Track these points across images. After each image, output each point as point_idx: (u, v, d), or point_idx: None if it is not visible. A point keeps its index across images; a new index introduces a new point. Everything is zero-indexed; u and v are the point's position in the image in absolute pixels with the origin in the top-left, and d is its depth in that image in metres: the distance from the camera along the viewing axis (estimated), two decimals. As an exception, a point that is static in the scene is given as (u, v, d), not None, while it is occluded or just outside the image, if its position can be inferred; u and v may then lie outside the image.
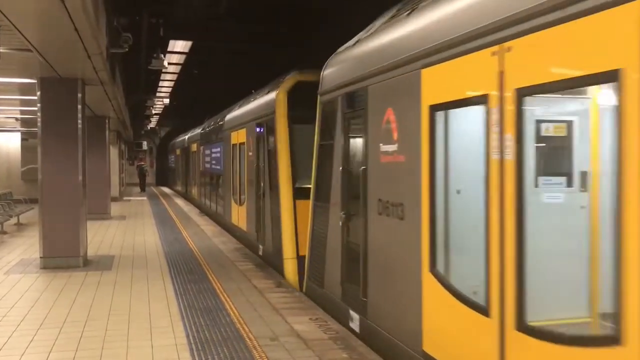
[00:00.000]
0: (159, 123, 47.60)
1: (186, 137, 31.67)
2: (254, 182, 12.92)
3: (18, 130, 28.30)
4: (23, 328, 7.52)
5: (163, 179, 50.83)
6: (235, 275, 10.77)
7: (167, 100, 29.71)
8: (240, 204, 14.99)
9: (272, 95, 11.58)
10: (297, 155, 10.85)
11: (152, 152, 55.41)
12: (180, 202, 30.27)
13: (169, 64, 18.57)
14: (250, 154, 13.38)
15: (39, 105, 11.62)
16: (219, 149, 19.13)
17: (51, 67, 10.28)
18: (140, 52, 16.67)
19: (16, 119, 23.81)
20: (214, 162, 20.51)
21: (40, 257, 11.55)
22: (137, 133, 45.98)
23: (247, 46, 17.02)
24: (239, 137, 15.12)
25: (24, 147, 28.63)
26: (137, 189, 41.84)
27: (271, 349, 6.57)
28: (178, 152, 36.64)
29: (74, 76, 11.48)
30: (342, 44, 8.64)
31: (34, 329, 7.46)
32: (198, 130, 25.89)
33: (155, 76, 23.12)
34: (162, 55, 16.13)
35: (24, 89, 13.98)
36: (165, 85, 26.40)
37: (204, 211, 23.33)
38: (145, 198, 33.24)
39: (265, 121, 11.98)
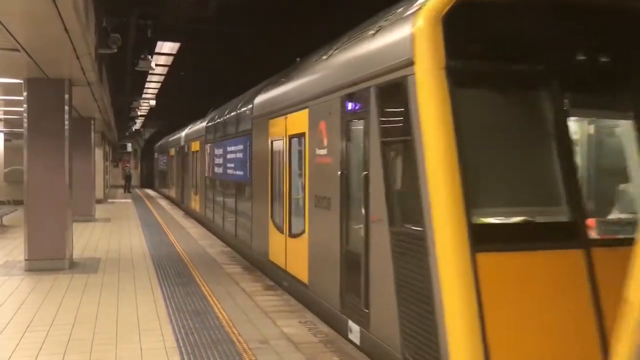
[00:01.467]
0: (144, 124, 47.39)
1: (183, 133, 26.06)
2: (337, 205, 7.18)
3: (1, 131, 28.01)
4: (9, 331, 7.42)
5: (148, 181, 50.45)
6: (223, 278, 10.72)
7: (153, 102, 29.56)
8: (292, 234, 9.34)
9: (400, 31, 5.61)
10: (477, 153, 5.14)
11: (136, 153, 55.12)
12: (165, 204, 30.10)
13: (156, 65, 18.51)
14: (322, 152, 7.75)
15: (25, 106, 11.50)
16: (240, 147, 13.51)
17: (39, 67, 10.18)
18: (128, 53, 16.59)
19: (-1, 119, 23.59)
20: (230, 165, 14.87)
21: (25, 260, 11.40)
22: (122, 134, 45.76)
23: (236, 47, 17.00)
24: (288, 126, 9.50)
25: (7, 148, 28.34)
26: (121, 191, 41.65)
27: (261, 352, 6.54)
28: (172, 152, 30.53)
29: (62, 77, 11.37)
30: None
31: (21, 331, 7.36)
32: (201, 124, 20.42)
33: (142, 77, 23.01)
34: (150, 57, 16.06)
35: (8, 89, 13.83)
36: (152, 86, 26.28)
37: (214, 232, 17.42)
38: (129, 200, 33.02)
39: (375, 87, 6.08)
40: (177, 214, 24.14)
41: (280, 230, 9.99)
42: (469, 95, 5.22)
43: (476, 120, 5.28)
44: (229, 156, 14.98)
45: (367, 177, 6.25)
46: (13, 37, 7.86)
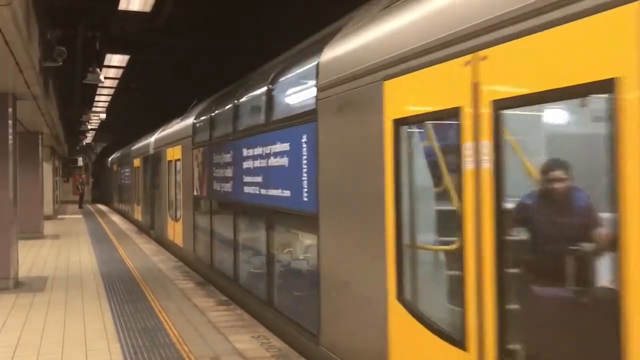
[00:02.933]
0: (95, 138, 46.48)
1: (152, 139, 20.60)
2: None
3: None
4: (-53, 355, 7.13)
5: (102, 196, 49.13)
6: (174, 294, 10.54)
7: (103, 115, 29.04)
8: None
9: None
10: None
11: (87, 168, 53.99)
12: (117, 219, 29.51)
13: (106, 78, 18.17)
14: None
15: (-34, 120, 11.15)
16: (284, 146, 7.41)
17: (-21, 81, 9.90)
18: (76, 66, 16.25)
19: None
20: (250, 179, 8.84)
21: (-33, 280, 11.01)
22: (72, 149, 44.78)
23: (188, 59, 16.85)
24: (491, 78, 3.67)
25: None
26: (72, 207, 40.73)
27: (212, 369, 6.44)
28: (136, 163, 24.87)
29: (4, 90, 11.09)
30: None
31: (-40, 355, 7.08)
32: (185, 122, 14.88)
33: (92, 90, 22.57)
34: (98, 70, 15.75)
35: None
36: (102, 99, 25.79)
37: (215, 284, 11.28)
38: (80, 216, 32.28)
39: None
40: (129, 230, 23.67)
41: (458, 343, 3.99)
42: None
43: None
44: (249, 164, 8.91)
45: None
46: (-50, 50, 7.61)
